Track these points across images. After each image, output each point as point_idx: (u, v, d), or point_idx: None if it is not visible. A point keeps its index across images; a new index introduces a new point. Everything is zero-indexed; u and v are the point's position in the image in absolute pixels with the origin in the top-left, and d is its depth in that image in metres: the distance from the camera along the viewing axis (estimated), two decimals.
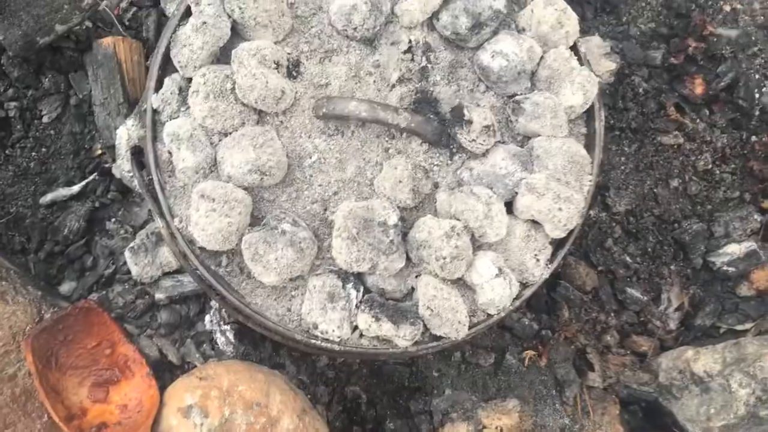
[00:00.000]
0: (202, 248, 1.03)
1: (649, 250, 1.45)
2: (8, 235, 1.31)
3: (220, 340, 1.28)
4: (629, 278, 1.43)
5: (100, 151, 1.34)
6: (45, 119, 1.34)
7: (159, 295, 1.29)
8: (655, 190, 1.46)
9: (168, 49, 1.06)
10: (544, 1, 1.12)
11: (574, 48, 1.15)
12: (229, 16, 1.04)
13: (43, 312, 1.20)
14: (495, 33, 1.11)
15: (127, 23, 1.37)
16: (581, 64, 1.14)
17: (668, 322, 1.42)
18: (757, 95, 1.48)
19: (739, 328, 1.40)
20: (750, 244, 1.41)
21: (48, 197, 1.32)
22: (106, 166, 1.33)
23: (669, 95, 1.50)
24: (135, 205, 1.34)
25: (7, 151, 1.33)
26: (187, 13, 1.07)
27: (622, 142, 1.48)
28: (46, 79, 1.34)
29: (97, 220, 1.34)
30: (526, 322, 1.38)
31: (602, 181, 1.45)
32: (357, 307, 1.04)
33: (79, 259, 1.33)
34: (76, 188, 1.33)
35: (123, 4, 1.37)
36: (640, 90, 1.48)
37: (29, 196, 1.33)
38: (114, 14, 1.35)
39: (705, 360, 1.30)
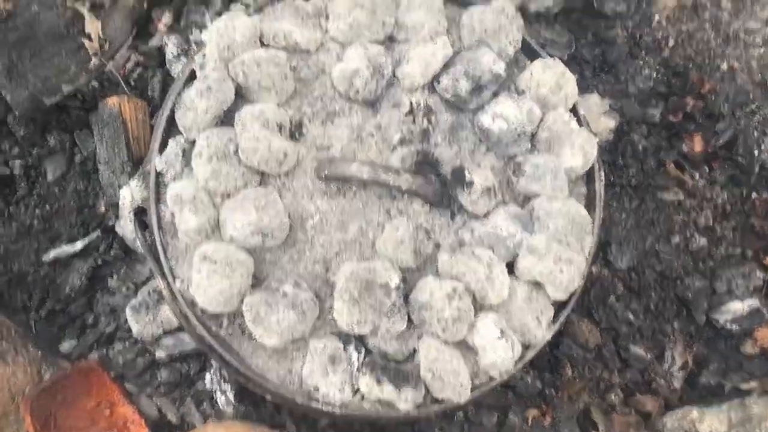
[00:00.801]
0: (203, 310, 1.02)
1: (652, 307, 1.44)
2: (10, 292, 1.31)
3: (220, 399, 1.27)
4: (632, 336, 1.42)
5: (103, 209, 1.35)
6: (49, 177, 1.35)
7: (159, 354, 1.28)
8: (656, 246, 1.46)
9: (172, 112, 1.07)
10: (543, 64, 1.14)
11: (573, 109, 1.16)
12: (233, 80, 1.05)
13: (42, 372, 1.20)
14: (495, 95, 1.12)
15: (132, 83, 1.39)
16: (580, 125, 1.15)
17: (672, 381, 1.40)
18: (756, 152, 1.49)
19: (744, 386, 1.38)
20: (753, 302, 1.40)
21: (51, 254, 1.32)
22: (110, 223, 1.33)
23: (668, 152, 1.51)
24: (137, 262, 1.34)
25: (10, 209, 1.34)
26: (192, 75, 1.09)
27: (622, 198, 1.49)
28: (52, 138, 1.35)
29: (99, 278, 1.34)
30: (529, 381, 1.37)
31: (603, 238, 1.45)
32: (358, 369, 1.03)
33: (80, 317, 1.32)
34: (78, 245, 1.33)
35: (129, 65, 1.39)
36: (640, 147, 1.49)
37: (32, 254, 1.33)
38: (120, 75, 1.37)
39: (710, 421, 1.28)
